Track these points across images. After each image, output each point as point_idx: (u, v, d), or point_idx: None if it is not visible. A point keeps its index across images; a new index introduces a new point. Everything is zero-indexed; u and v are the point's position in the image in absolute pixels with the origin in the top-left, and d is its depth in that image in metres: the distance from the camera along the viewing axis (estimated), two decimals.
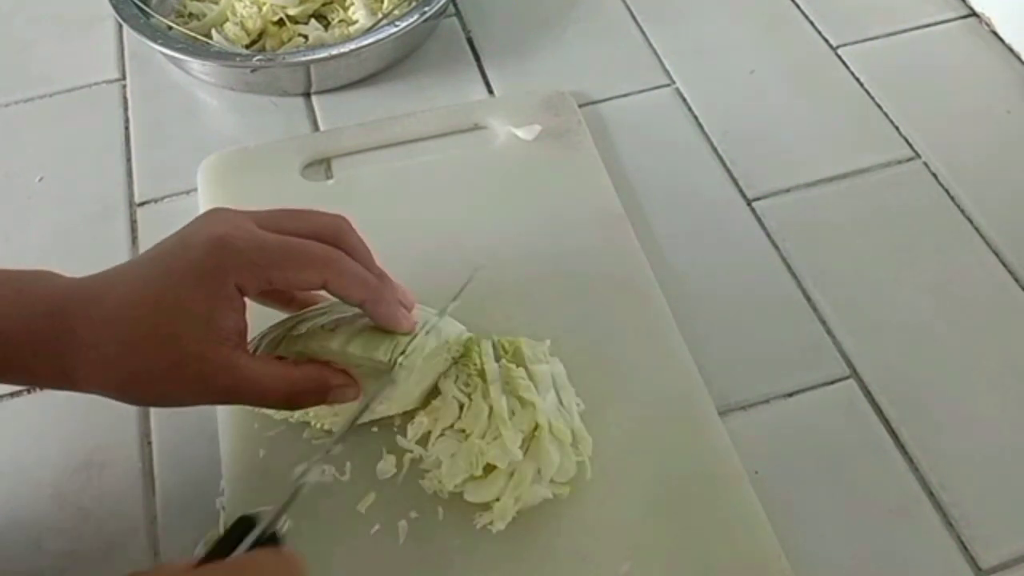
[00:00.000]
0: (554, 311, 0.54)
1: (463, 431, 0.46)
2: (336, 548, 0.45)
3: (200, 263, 0.40)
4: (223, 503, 0.47)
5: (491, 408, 0.45)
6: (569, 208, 0.59)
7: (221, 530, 0.46)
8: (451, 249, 0.57)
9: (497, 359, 0.48)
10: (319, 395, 0.44)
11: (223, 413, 0.50)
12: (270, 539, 0.37)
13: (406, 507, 0.46)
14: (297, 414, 0.48)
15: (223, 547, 0.36)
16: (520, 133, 0.63)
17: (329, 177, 0.62)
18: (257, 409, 0.49)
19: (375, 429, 0.49)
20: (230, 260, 0.40)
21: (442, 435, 0.47)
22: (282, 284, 0.42)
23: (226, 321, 0.40)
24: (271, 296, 0.47)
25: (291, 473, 0.44)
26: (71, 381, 0.40)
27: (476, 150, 0.64)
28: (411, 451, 0.47)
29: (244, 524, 0.37)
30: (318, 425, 0.49)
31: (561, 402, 0.47)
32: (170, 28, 0.70)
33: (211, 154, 0.63)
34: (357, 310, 0.45)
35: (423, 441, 0.47)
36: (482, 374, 0.46)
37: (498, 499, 0.44)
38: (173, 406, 0.44)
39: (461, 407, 0.47)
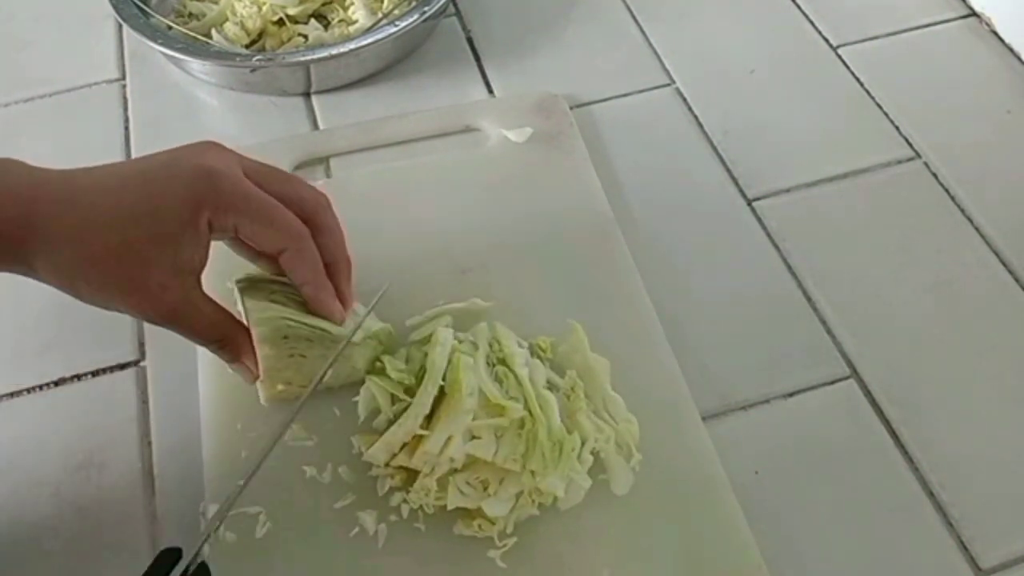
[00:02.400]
0: (540, 314, 0.53)
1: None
2: (314, 548, 0.45)
3: (182, 192, 0.41)
4: (204, 506, 0.47)
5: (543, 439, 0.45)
6: (557, 211, 0.59)
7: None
8: (440, 251, 0.57)
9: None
10: (231, 357, 0.45)
11: (206, 413, 0.50)
12: (200, 569, 0.37)
13: (386, 510, 0.46)
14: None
15: None
16: (511, 136, 0.63)
17: (328, 176, 0.62)
18: (240, 409, 0.49)
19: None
20: (210, 195, 0.41)
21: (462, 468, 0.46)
22: (246, 236, 0.43)
23: (192, 252, 0.41)
24: (241, 245, 0.47)
25: (204, 508, 0.46)
26: (30, 269, 0.41)
27: (468, 152, 0.64)
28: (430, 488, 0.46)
29: (169, 557, 0.37)
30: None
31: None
32: (170, 28, 0.70)
33: None
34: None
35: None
36: (536, 416, 0.46)
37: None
38: (111, 310, 0.44)
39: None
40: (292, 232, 0.43)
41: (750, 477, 0.49)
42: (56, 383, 0.53)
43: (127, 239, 0.40)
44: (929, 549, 0.47)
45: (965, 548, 0.47)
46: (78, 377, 0.54)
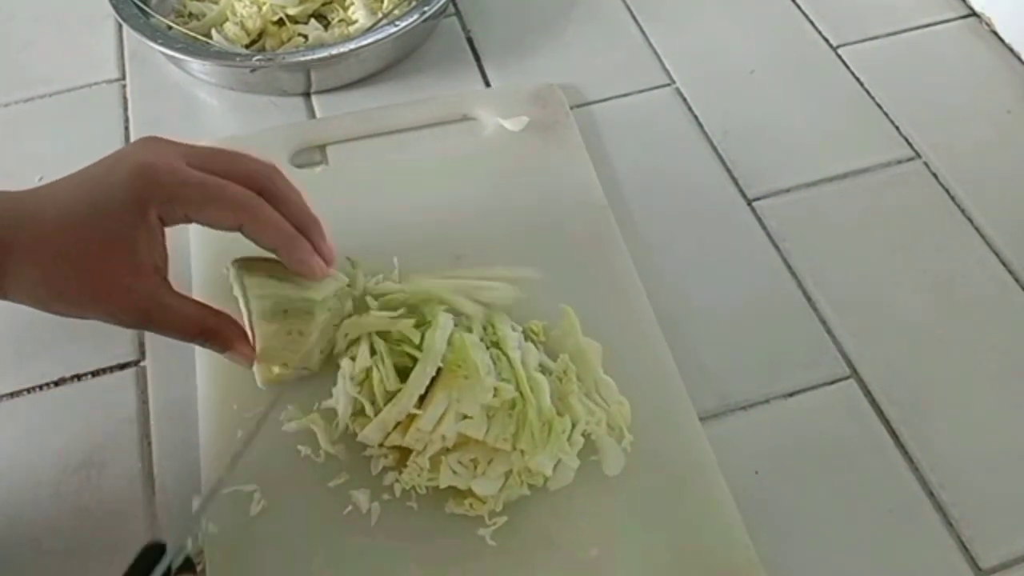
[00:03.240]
0: (533, 300, 0.53)
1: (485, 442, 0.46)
2: (307, 526, 0.46)
3: (123, 194, 0.41)
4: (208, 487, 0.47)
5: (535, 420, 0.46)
6: (552, 199, 0.59)
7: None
8: (435, 237, 0.57)
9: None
10: (221, 347, 0.45)
11: (203, 393, 0.50)
12: (185, 565, 0.37)
13: (379, 489, 0.47)
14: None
15: None
16: (507, 124, 0.63)
17: (326, 164, 0.62)
18: (236, 391, 0.49)
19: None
20: (151, 192, 0.41)
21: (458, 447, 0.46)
22: (199, 220, 0.43)
23: (150, 252, 0.42)
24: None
25: (192, 503, 0.46)
26: (3, 293, 0.41)
27: (464, 140, 0.64)
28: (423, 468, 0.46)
29: (153, 552, 0.37)
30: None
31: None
32: (170, 28, 0.70)
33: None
34: None
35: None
36: (526, 396, 0.46)
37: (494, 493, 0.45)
38: (89, 319, 0.44)
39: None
40: (243, 204, 0.43)
41: (750, 477, 0.49)
42: (56, 383, 0.54)
43: (83, 248, 0.40)
44: (929, 549, 0.47)
45: (965, 548, 0.47)
46: (78, 377, 0.54)
